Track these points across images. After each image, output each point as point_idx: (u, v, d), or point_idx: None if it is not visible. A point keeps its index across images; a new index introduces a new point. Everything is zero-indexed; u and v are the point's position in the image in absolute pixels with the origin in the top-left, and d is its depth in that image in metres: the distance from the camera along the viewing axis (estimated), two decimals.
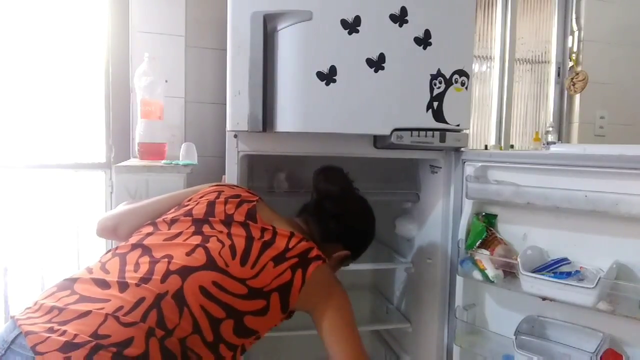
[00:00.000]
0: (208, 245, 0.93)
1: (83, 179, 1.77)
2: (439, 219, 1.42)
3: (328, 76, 1.21)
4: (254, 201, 1.06)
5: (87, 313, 0.81)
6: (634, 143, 1.13)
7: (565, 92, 2.32)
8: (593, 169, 1.05)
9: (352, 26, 1.21)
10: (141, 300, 0.83)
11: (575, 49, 2.29)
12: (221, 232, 0.97)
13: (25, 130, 1.72)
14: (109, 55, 1.74)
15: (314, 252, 1.00)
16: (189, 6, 1.76)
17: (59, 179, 1.75)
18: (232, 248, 0.94)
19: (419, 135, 1.28)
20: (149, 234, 0.98)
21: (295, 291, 0.95)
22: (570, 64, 2.30)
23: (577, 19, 2.28)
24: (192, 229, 0.97)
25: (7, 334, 0.80)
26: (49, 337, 0.76)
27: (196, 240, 0.95)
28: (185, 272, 0.88)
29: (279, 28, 1.19)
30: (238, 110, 1.20)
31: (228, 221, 0.99)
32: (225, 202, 1.03)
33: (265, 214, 1.05)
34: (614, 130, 2.30)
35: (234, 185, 1.14)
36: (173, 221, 1.00)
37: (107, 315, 0.80)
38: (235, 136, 1.26)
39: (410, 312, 1.62)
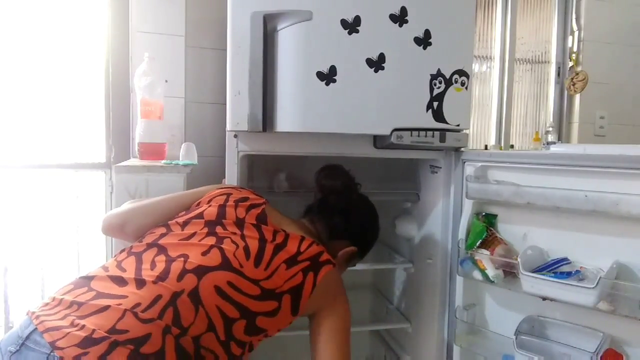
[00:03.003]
0: (223, 246, 0.95)
1: (83, 179, 1.76)
2: (439, 219, 1.42)
3: (328, 76, 1.21)
4: (262, 204, 1.07)
5: (105, 308, 0.81)
6: (634, 143, 1.13)
7: (565, 92, 2.32)
8: (593, 169, 1.05)
9: (352, 26, 1.21)
10: (158, 297, 0.84)
11: (575, 49, 2.28)
12: (234, 233, 0.98)
13: (25, 130, 1.72)
14: (109, 55, 1.74)
15: (325, 256, 1.02)
16: (189, 6, 1.76)
17: (59, 179, 1.75)
18: (246, 249, 0.95)
19: (419, 135, 1.28)
20: (163, 234, 0.99)
21: (307, 294, 0.97)
22: (570, 64, 2.29)
23: (577, 19, 2.28)
24: (206, 230, 0.98)
25: (22, 330, 0.81)
26: (69, 332, 0.77)
27: (210, 241, 0.96)
28: (200, 271, 0.89)
29: (279, 28, 1.19)
30: (238, 110, 1.20)
31: (240, 223, 1.00)
32: (236, 206, 1.04)
33: (274, 217, 1.07)
34: (614, 130, 2.30)
35: (241, 187, 1.15)
36: (186, 223, 1.01)
37: (125, 310, 0.81)
38: (235, 136, 1.26)
39: (410, 312, 1.62)
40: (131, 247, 0.98)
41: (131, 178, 1.35)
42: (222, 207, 1.03)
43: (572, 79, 2.25)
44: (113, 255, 1.00)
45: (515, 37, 2.28)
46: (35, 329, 0.79)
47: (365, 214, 1.24)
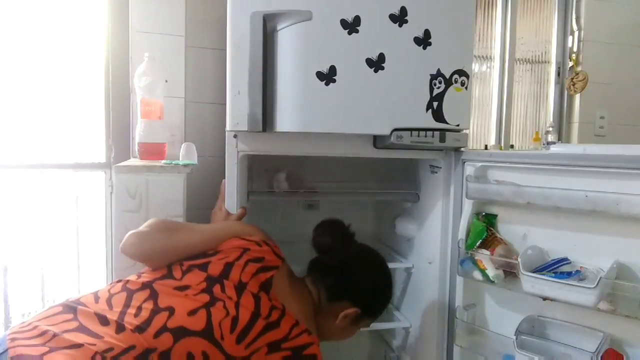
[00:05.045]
0: (212, 309, 0.92)
1: (83, 179, 1.76)
2: (439, 219, 1.42)
3: (328, 76, 1.20)
4: (273, 269, 1.04)
5: (78, 345, 0.81)
6: (634, 143, 1.13)
7: (565, 92, 2.32)
8: (593, 169, 1.05)
9: (352, 26, 1.21)
10: (131, 347, 0.84)
11: (575, 49, 2.28)
12: (230, 298, 0.95)
13: (25, 130, 1.72)
14: (109, 55, 1.74)
15: (311, 350, 0.98)
16: (189, 6, 1.76)
17: (58, 179, 1.75)
18: (234, 320, 0.93)
19: (418, 135, 1.27)
20: (163, 276, 0.98)
21: None
22: (570, 64, 2.29)
23: (577, 19, 2.28)
24: (204, 285, 0.96)
25: None
26: None
27: (203, 299, 0.94)
28: (179, 333, 0.88)
29: (278, 28, 1.19)
30: (238, 110, 1.19)
31: (240, 288, 0.98)
32: (244, 266, 1.01)
33: (280, 287, 1.03)
34: (614, 130, 2.30)
35: (264, 241, 1.10)
36: (188, 269, 1.00)
37: (96, 353, 0.81)
38: (235, 136, 1.26)
39: (410, 312, 1.62)
40: (127, 281, 0.97)
41: (131, 178, 1.35)
42: (228, 265, 1.00)
43: (572, 79, 2.25)
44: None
45: (515, 37, 2.28)
46: (6, 351, 0.79)
47: (364, 272, 1.18)
